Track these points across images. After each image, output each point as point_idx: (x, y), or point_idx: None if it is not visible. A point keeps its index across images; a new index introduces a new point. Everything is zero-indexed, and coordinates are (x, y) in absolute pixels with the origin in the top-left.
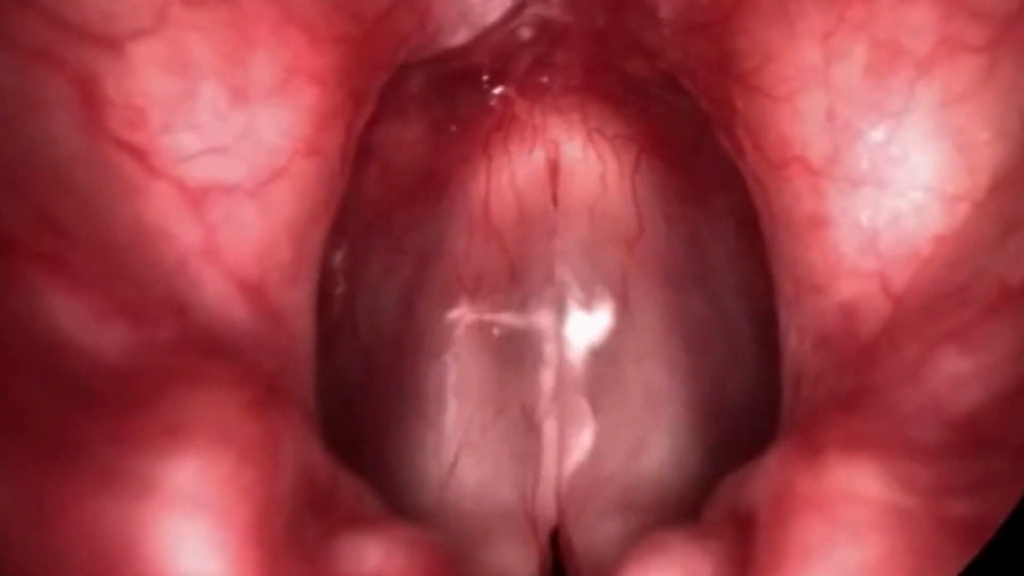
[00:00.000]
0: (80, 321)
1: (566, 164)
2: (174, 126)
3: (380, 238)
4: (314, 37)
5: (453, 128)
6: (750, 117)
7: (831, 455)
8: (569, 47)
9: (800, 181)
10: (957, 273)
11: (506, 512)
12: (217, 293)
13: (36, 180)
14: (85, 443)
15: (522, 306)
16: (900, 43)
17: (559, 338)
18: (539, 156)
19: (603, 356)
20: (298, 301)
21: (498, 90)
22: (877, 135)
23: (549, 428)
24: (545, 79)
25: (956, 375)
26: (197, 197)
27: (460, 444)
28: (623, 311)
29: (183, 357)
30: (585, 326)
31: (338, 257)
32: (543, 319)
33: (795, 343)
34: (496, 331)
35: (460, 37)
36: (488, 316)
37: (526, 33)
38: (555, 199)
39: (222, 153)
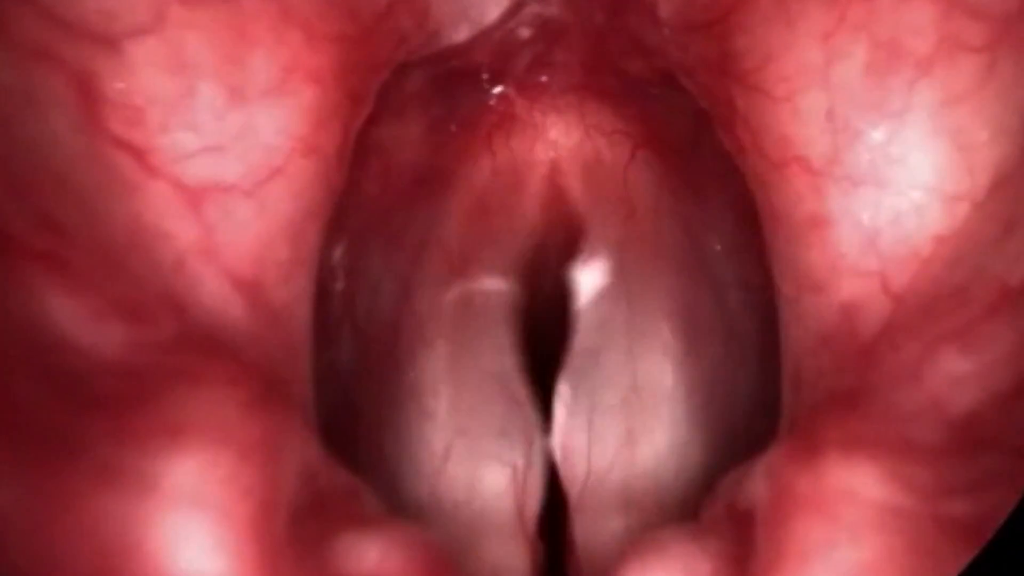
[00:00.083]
0: (79, 320)
1: (568, 160)
2: (172, 125)
3: (379, 235)
4: (312, 36)
5: (452, 127)
6: (750, 117)
7: (830, 455)
8: (568, 46)
9: (800, 181)
10: (957, 273)
11: (497, 504)
12: (215, 292)
13: (34, 179)
14: (86, 442)
15: (507, 282)
16: (900, 43)
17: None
18: (538, 155)
19: (600, 348)
20: (295, 299)
21: (497, 89)
22: (877, 135)
23: (535, 411)
24: (544, 78)
25: (955, 375)
26: (195, 196)
27: (452, 433)
28: (621, 298)
29: (182, 356)
30: (582, 312)
31: (337, 253)
32: (529, 300)
33: (795, 342)
34: (481, 311)
35: (459, 36)
36: (473, 295)
37: (525, 32)
38: (555, 195)
39: (220, 152)
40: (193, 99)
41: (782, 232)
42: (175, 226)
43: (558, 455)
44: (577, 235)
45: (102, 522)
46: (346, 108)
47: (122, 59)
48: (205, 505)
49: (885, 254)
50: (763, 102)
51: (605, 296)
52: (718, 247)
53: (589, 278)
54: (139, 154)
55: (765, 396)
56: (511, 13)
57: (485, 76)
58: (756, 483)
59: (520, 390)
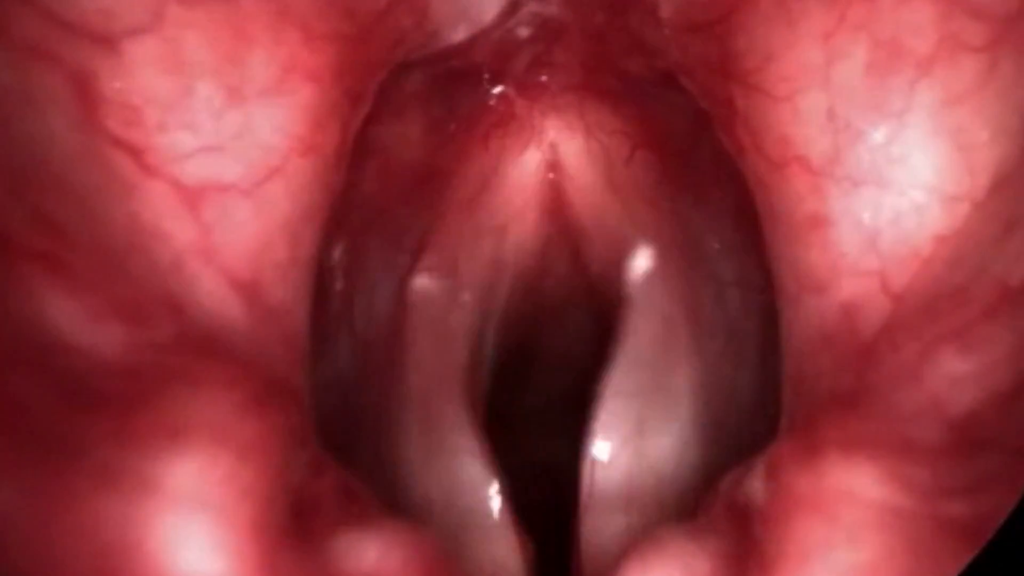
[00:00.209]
0: (78, 321)
1: (571, 162)
2: (170, 125)
3: (378, 235)
4: (310, 36)
5: (452, 127)
6: (751, 117)
7: (830, 455)
8: (568, 46)
9: (801, 181)
10: (957, 273)
11: (491, 503)
12: (213, 292)
13: (32, 178)
14: (85, 443)
15: (504, 286)
16: (901, 43)
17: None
18: (538, 154)
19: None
20: (293, 299)
21: (497, 89)
22: (878, 135)
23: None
24: (544, 78)
25: (955, 375)
26: (193, 196)
27: (447, 434)
28: (647, 256)
29: (180, 357)
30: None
31: (336, 253)
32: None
33: (796, 342)
34: (482, 312)
35: (458, 36)
36: (473, 298)
37: (525, 32)
38: (555, 195)
39: (218, 152)
40: (191, 99)
41: (782, 232)
42: (173, 226)
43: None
44: (577, 235)
45: (102, 523)
46: (344, 107)
47: (120, 59)
48: (204, 505)
49: (885, 254)
50: (763, 102)
51: (614, 298)
52: (718, 247)
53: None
54: (137, 154)
55: (765, 396)
56: (510, 12)
57: (485, 76)
58: (756, 482)
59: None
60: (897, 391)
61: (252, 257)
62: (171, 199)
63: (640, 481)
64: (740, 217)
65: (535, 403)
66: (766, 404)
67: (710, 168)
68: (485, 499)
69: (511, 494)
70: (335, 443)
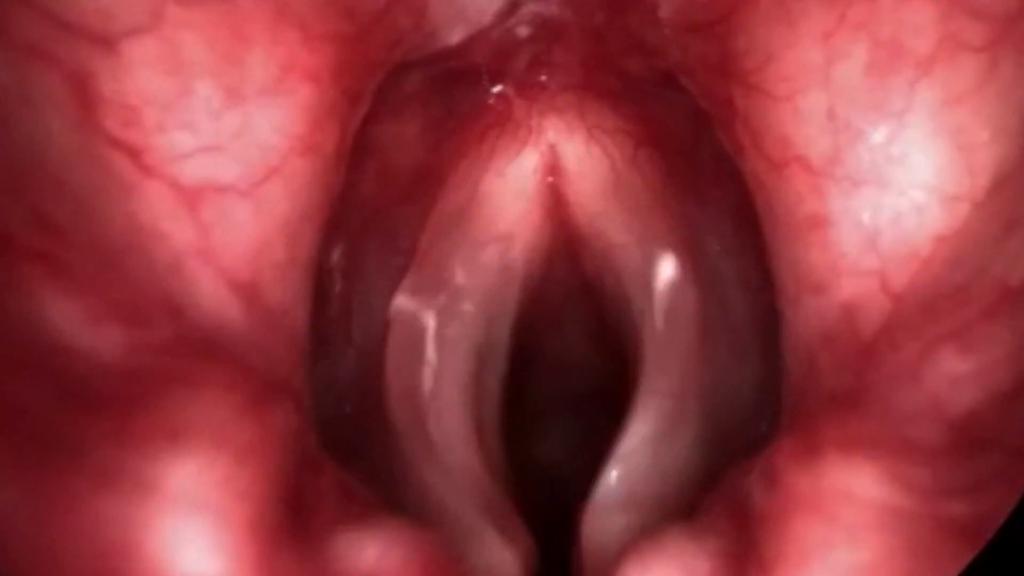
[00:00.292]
0: (76, 323)
1: (570, 163)
2: (168, 125)
3: (377, 236)
4: (309, 35)
5: (451, 127)
6: (750, 117)
7: (829, 455)
8: (568, 46)
9: (801, 181)
10: (957, 273)
11: (492, 503)
12: (211, 293)
13: (31, 179)
14: (84, 444)
15: (513, 287)
16: (901, 43)
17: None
18: (537, 155)
19: (660, 318)
20: (293, 300)
21: (496, 88)
22: (878, 135)
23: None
24: (544, 77)
25: (955, 375)
26: (191, 196)
27: (446, 434)
28: (673, 264)
29: (179, 359)
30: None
31: (335, 255)
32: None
33: (795, 341)
34: (482, 315)
35: (457, 36)
36: (477, 294)
37: (524, 31)
38: (554, 196)
39: (216, 152)
40: (189, 99)
41: (782, 232)
42: (172, 226)
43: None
44: (577, 239)
45: (101, 524)
46: (343, 107)
47: (119, 59)
48: (202, 507)
49: (885, 254)
50: (763, 102)
51: (633, 267)
52: (718, 248)
53: (619, 252)
54: (135, 154)
55: (765, 395)
56: (509, 12)
57: (484, 76)
58: (756, 482)
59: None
60: (897, 391)
61: (251, 257)
62: (169, 199)
63: (639, 484)
64: (740, 218)
65: (534, 405)
66: (766, 404)
67: (710, 168)
68: (487, 499)
69: (512, 494)
70: (335, 443)
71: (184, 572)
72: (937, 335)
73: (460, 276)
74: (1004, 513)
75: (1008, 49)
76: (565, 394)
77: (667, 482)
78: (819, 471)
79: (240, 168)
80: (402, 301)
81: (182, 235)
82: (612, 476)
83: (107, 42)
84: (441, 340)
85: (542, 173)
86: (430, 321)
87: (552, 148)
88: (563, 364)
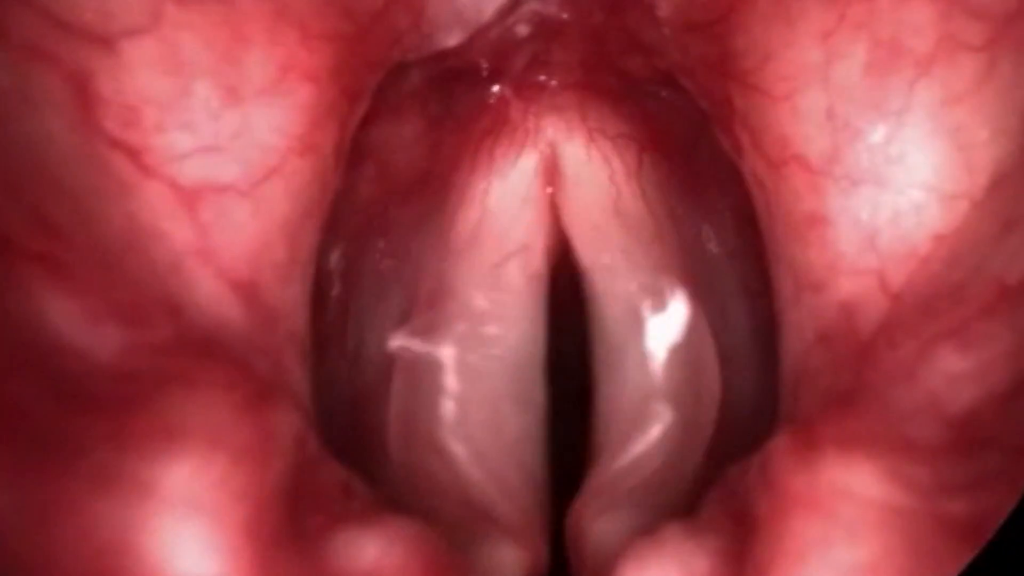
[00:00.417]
0: (76, 323)
1: (570, 168)
2: (167, 125)
3: (376, 239)
4: (307, 35)
5: (450, 127)
6: (749, 116)
7: (828, 453)
8: (567, 45)
9: (799, 180)
10: (955, 272)
11: (501, 504)
12: (211, 293)
13: (30, 179)
14: (82, 445)
15: (448, 327)
16: (900, 42)
17: (624, 344)
18: (535, 156)
19: (660, 348)
20: (292, 300)
21: (495, 88)
22: (877, 134)
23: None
24: (543, 77)
25: (953, 373)
26: (190, 196)
27: (406, 452)
28: (680, 300)
29: (178, 359)
30: (655, 323)
31: (334, 257)
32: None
33: (794, 340)
34: (489, 318)
35: (456, 35)
36: (415, 342)
37: (523, 31)
38: (561, 204)
39: (215, 152)
40: (189, 99)
41: (781, 231)
42: (171, 227)
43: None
44: (616, 243)
45: (98, 524)
46: (342, 107)
47: (118, 59)
48: (199, 508)
49: (884, 253)
50: (762, 101)
51: (621, 291)
52: (718, 247)
53: (605, 274)
54: (134, 154)
55: (764, 394)
56: (507, 11)
57: (483, 75)
58: (754, 481)
59: (531, 391)
60: (895, 389)
61: (250, 257)
62: (169, 199)
63: (637, 483)
64: (741, 220)
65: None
66: (765, 402)
67: (711, 170)
68: (490, 499)
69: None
70: (335, 443)
71: (181, 573)
72: (936, 333)
73: (481, 301)
74: (1003, 511)
75: (1007, 49)
76: (564, 394)
77: (665, 481)
78: (818, 469)
79: (239, 168)
80: (412, 341)
81: (181, 235)
82: (609, 476)
83: (106, 42)
84: (465, 369)
85: (543, 172)
86: (448, 354)
87: (552, 147)
88: (562, 365)
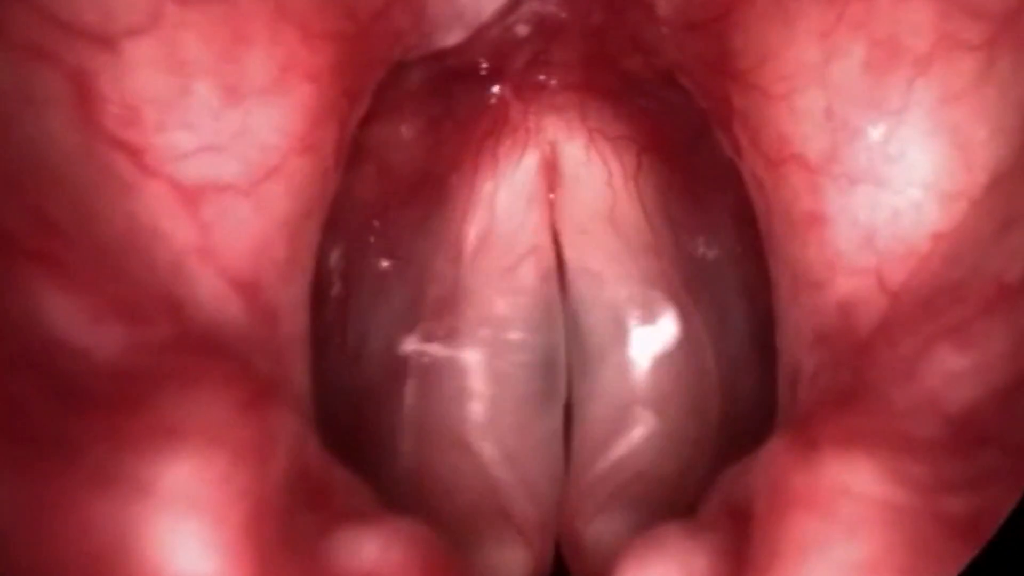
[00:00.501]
0: (75, 321)
1: (568, 168)
2: (168, 124)
3: (376, 240)
4: (308, 35)
5: (449, 126)
6: (748, 115)
7: (827, 451)
8: (566, 45)
9: (798, 178)
10: (954, 270)
11: (503, 505)
12: (212, 292)
13: (31, 178)
14: (81, 443)
15: (471, 330)
16: (899, 41)
17: (601, 351)
18: (537, 155)
19: (642, 357)
20: (293, 299)
21: (495, 88)
22: (875, 133)
23: (548, 413)
24: (543, 77)
25: (952, 372)
26: (191, 195)
27: (423, 454)
28: (669, 313)
29: (178, 357)
30: (639, 334)
31: (334, 257)
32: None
33: (792, 339)
34: (440, 360)
35: (456, 35)
36: (434, 347)
37: (523, 30)
38: (554, 209)
39: (216, 151)
40: (189, 98)
41: (779, 230)
42: (172, 226)
43: (559, 456)
44: (608, 250)
45: (97, 524)
46: (343, 106)
47: (119, 58)
48: (198, 507)
49: (882, 251)
50: (761, 100)
51: (607, 299)
52: (718, 248)
53: (591, 280)
54: (135, 153)
55: (763, 394)
56: (508, 11)
57: (483, 75)
58: (753, 479)
59: (538, 390)
60: (894, 388)
61: (251, 256)
62: (170, 199)
63: (636, 483)
64: (739, 219)
65: None
66: (764, 402)
67: (710, 171)
68: (492, 499)
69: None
70: (335, 442)
71: (180, 572)
72: (935, 332)
73: (500, 304)
74: (1003, 509)
75: (1006, 48)
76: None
77: (661, 483)
78: (817, 467)
79: (240, 167)
80: (430, 346)
81: (182, 234)
82: (591, 478)
83: (107, 42)
84: (492, 373)
85: (542, 172)
86: (474, 359)
87: (553, 148)
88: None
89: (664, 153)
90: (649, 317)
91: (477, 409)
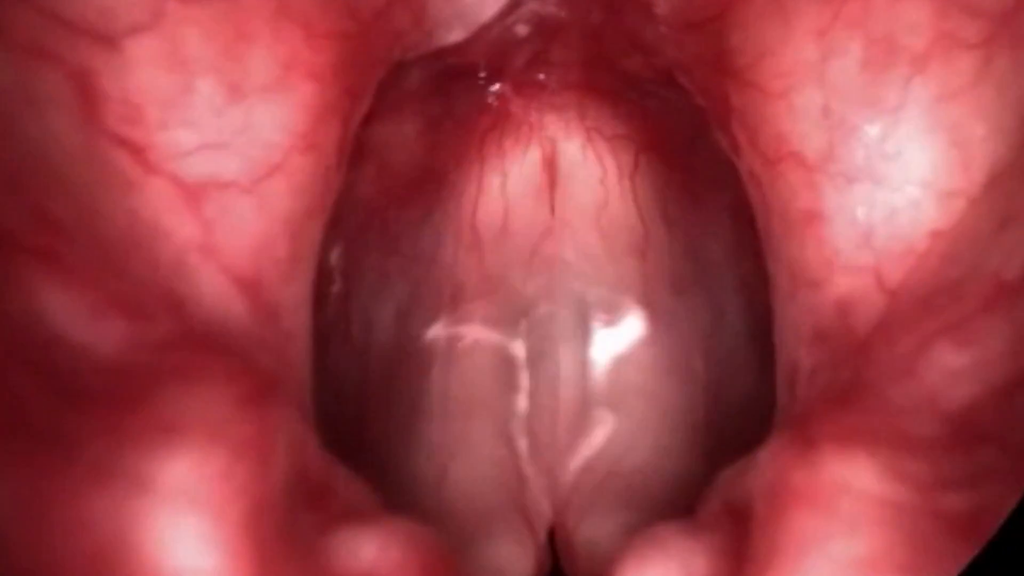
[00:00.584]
0: (76, 317)
1: (564, 166)
2: (170, 122)
3: (376, 237)
4: (310, 33)
5: (449, 125)
6: (746, 113)
7: (826, 449)
8: (566, 44)
9: (795, 177)
10: (952, 268)
11: (503, 507)
12: (213, 289)
13: (33, 176)
14: (80, 439)
15: (511, 318)
16: (896, 39)
17: (561, 344)
18: (536, 155)
19: (603, 357)
20: (294, 297)
21: (495, 87)
22: (873, 131)
23: (544, 417)
24: (542, 76)
25: (951, 370)
26: (193, 193)
27: (456, 437)
28: (637, 317)
29: (179, 353)
30: (601, 335)
31: (334, 255)
32: (531, 332)
33: (791, 338)
34: (482, 344)
35: (456, 34)
36: (476, 329)
37: (522, 30)
38: (553, 205)
39: (218, 149)
40: (192, 96)
41: (777, 228)
42: (174, 223)
43: (556, 457)
44: (591, 250)
45: (95, 520)
46: (345, 105)
47: (121, 57)
48: (198, 503)
49: (880, 250)
50: (758, 98)
51: (626, 310)
52: (716, 247)
53: (612, 293)
54: (138, 151)
55: (762, 393)
56: (508, 10)
57: (483, 74)
58: (752, 478)
59: (507, 412)
60: (893, 386)
61: (253, 254)
62: (172, 196)
63: (634, 483)
64: (737, 218)
65: None
66: (763, 401)
67: (709, 170)
68: (496, 501)
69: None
70: (335, 441)
71: (179, 567)
72: (933, 330)
73: (530, 287)
74: (1003, 507)
75: (1003, 46)
76: None
77: (663, 481)
78: (816, 465)
79: (242, 165)
80: (468, 328)
81: (184, 231)
82: (581, 474)
83: (109, 40)
84: (439, 344)
85: (542, 172)
86: (516, 342)
87: (552, 146)
88: None
89: (662, 152)
90: (612, 320)
91: (519, 399)
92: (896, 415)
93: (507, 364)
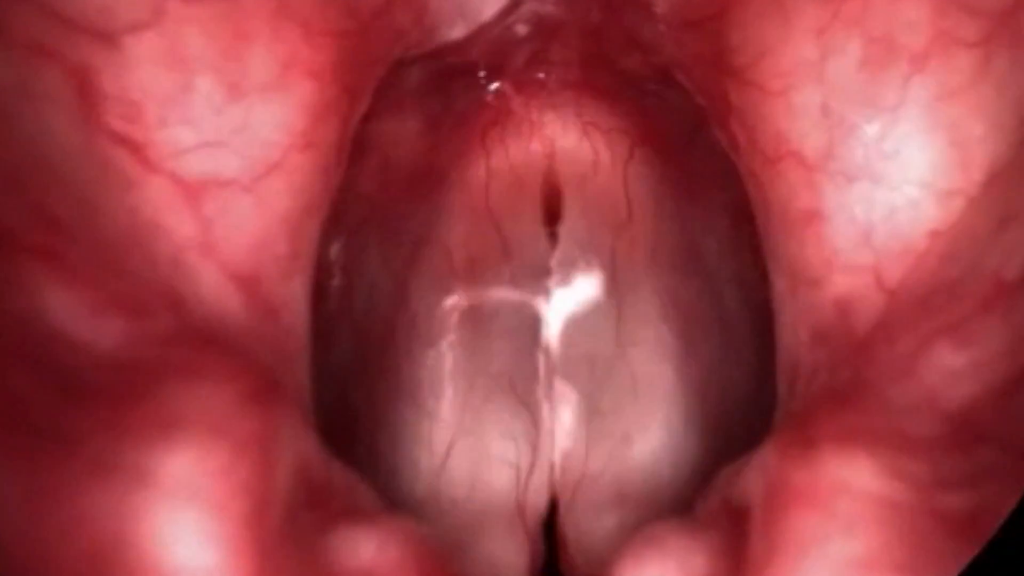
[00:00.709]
0: (76, 314)
1: (561, 156)
2: (170, 120)
3: (377, 232)
4: (310, 32)
5: (449, 123)
6: (745, 112)
7: (825, 448)
8: (565, 43)
9: (795, 175)
10: (951, 267)
11: (499, 502)
12: (213, 286)
13: (32, 174)
14: (80, 435)
15: (514, 287)
16: (895, 38)
17: (549, 323)
18: (535, 152)
19: (594, 345)
20: (293, 294)
21: (494, 86)
22: (872, 130)
23: (543, 413)
24: (541, 75)
25: (950, 369)
26: (193, 191)
27: (455, 432)
28: (613, 296)
29: (178, 350)
30: (576, 312)
31: (334, 250)
32: (535, 302)
33: (790, 337)
34: (488, 314)
35: (456, 33)
36: (480, 298)
37: (522, 29)
38: (551, 193)
39: (218, 147)
40: (191, 94)
41: (776, 227)
42: (173, 221)
43: (555, 454)
44: (572, 222)
45: (96, 515)
46: (344, 103)
47: (120, 54)
48: (198, 499)
49: (879, 249)
50: (758, 97)
51: (600, 297)
52: (714, 244)
53: (584, 278)
54: (137, 149)
55: (761, 392)
56: (508, 10)
57: (482, 73)
58: (751, 477)
59: (529, 392)
60: (893, 385)
61: (252, 252)
62: (171, 194)
63: (633, 482)
64: (737, 214)
65: None
66: (762, 400)
67: (707, 167)
68: (497, 499)
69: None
70: (334, 437)
71: (179, 563)
72: (932, 329)
73: (468, 271)
74: (1002, 507)
75: (1002, 45)
76: None
77: (661, 480)
78: (815, 464)
79: (241, 163)
80: (412, 297)
81: (183, 229)
82: (600, 474)
83: (109, 38)
84: (457, 333)
85: (542, 171)
86: (442, 314)
87: (551, 144)
88: None
89: (660, 148)
90: (566, 279)
91: (544, 360)
92: (896, 414)
93: (526, 326)
